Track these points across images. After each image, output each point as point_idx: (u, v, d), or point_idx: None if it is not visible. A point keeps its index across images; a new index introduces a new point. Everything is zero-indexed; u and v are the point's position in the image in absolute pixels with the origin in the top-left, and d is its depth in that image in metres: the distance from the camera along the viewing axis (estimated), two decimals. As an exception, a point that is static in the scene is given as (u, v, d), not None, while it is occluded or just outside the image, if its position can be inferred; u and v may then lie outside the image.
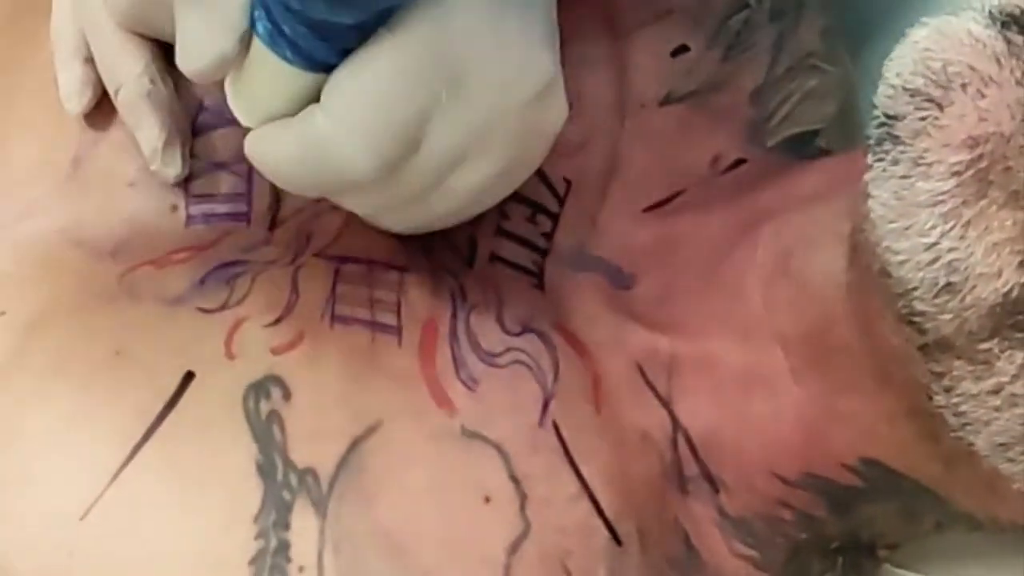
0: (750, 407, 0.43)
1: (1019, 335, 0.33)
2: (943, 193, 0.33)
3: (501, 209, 0.45)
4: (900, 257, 0.34)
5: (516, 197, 0.44)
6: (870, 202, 0.34)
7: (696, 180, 0.50)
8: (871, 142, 0.35)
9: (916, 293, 0.34)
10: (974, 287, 0.33)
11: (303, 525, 0.38)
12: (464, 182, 0.40)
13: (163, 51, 0.46)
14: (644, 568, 0.42)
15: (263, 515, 0.38)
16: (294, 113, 0.38)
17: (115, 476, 0.39)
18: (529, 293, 0.47)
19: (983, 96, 0.33)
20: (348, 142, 0.37)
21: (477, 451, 0.41)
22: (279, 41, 0.37)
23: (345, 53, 0.37)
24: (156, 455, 0.39)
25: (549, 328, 0.45)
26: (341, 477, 0.39)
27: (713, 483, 0.44)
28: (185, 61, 0.38)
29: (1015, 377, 0.34)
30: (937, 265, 0.33)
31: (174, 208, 0.47)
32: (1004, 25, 0.33)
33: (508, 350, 0.44)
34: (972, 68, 0.33)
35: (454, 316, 0.44)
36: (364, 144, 0.37)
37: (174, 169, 0.46)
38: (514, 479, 0.41)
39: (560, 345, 0.45)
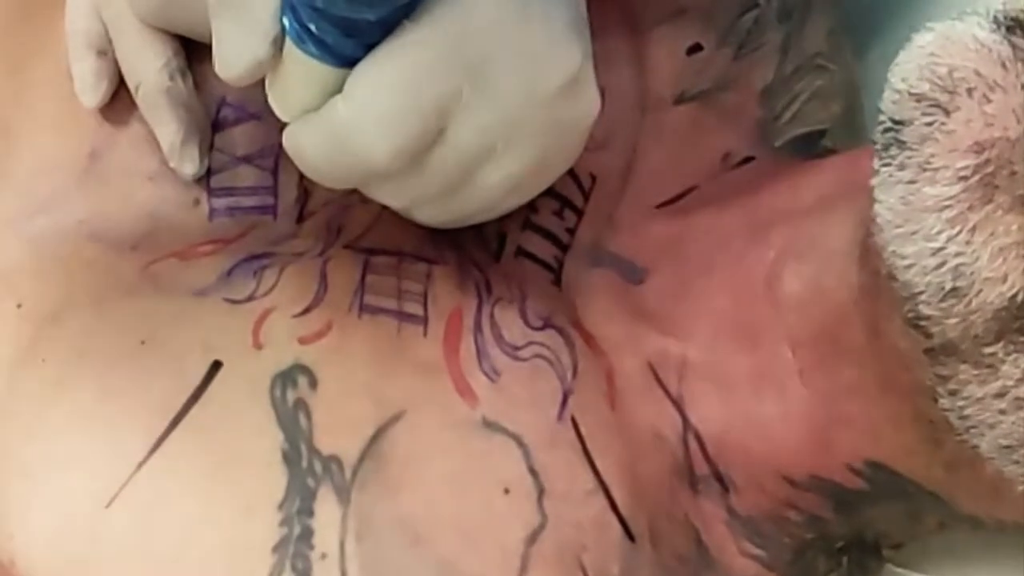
0: (759, 408, 0.43)
1: None
2: (949, 198, 0.33)
3: (531, 203, 0.45)
4: (906, 261, 0.34)
5: (546, 191, 0.45)
6: (876, 207, 0.34)
7: (707, 177, 0.50)
8: (877, 147, 0.35)
9: (922, 297, 0.34)
10: (980, 291, 0.33)
11: (326, 512, 0.39)
12: (495, 176, 0.41)
13: (184, 47, 0.47)
14: (655, 565, 0.43)
15: (287, 502, 0.39)
16: None
17: (141, 464, 0.39)
18: (549, 289, 0.48)
19: (989, 101, 0.32)
20: (367, 130, 0.38)
21: (497, 442, 0.41)
22: (307, 39, 0.38)
23: (371, 48, 0.38)
24: (182, 443, 0.40)
25: (567, 324, 0.46)
26: (364, 465, 0.40)
27: (723, 483, 0.44)
28: (223, 67, 0.39)
29: (1020, 380, 0.34)
30: (943, 269, 0.33)
31: (197, 202, 0.47)
32: (1009, 30, 0.33)
33: (530, 343, 0.44)
34: (978, 73, 0.33)
35: (479, 309, 0.45)
36: (382, 132, 0.38)
37: (192, 166, 0.46)
38: (533, 472, 0.41)
39: (577, 342, 0.45)
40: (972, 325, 0.33)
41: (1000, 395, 0.34)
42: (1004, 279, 0.33)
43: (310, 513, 0.39)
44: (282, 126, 0.41)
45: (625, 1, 0.50)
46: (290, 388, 0.41)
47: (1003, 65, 0.33)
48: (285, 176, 0.47)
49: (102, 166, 0.47)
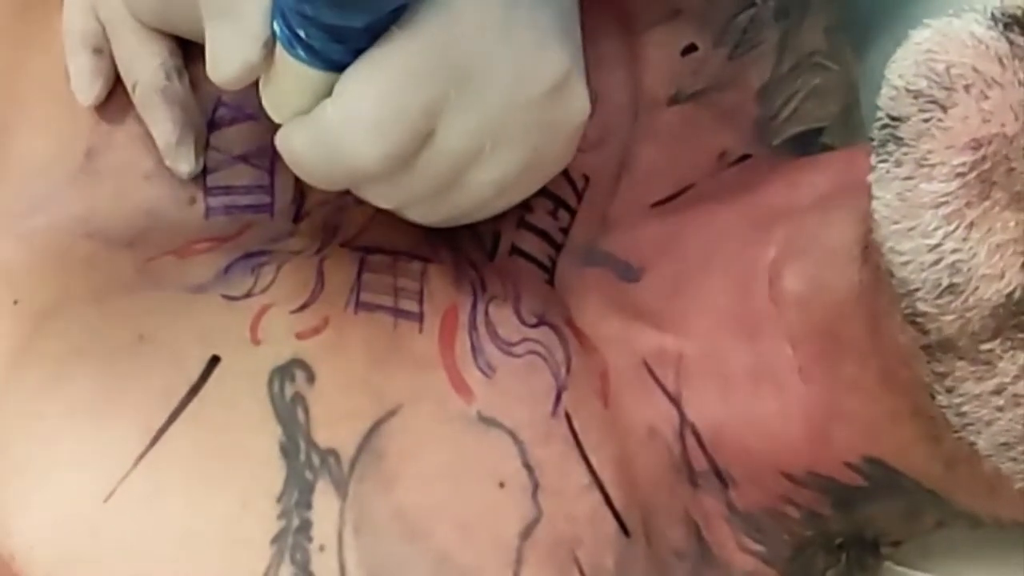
0: (757, 404, 0.43)
1: (1021, 336, 0.33)
2: (946, 194, 0.33)
3: (526, 202, 0.46)
4: (903, 258, 0.34)
5: (541, 191, 0.45)
6: (874, 203, 0.34)
7: (703, 175, 0.50)
8: (875, 143, 0.35)
9: (919, 294, 0.34)
10: (977, 288, 0.33)
11: (324, 505, 0.39)
12: (484, 177, 0.41)
13: (181, 47, 0.47)
14: (650, 559, 0.43)
15: (286, 495, 0.39)
16: None
17: (139, 458, 0.40)
18: (543, 287, 0.48)
19: (986, 97, 0.32)
20: (356, 133, 0.38)
21: (493, 437, 0.42)
22: (297, 45, 0.38)
23: (359, 53, 0.38)
24: (181, 437, 0.40)
25: (561, 322, 0.46)
26: (362, 459, 0.40)
27: (722, 478, 0.44)
28: (215, 71, 0.40)
29: (1017, 377, 0.34)
30: (940, 266, 0.33)
31: (192, 200, 0.47)
32: (1007, 26, 0.33)
33: (524, 340, 0.44)
34: (975, 70, 0.33)
35: (474, 306, 0.45)
36: (371, 136, 0.38)
37: (187, 165, 0.47)
38: (527, 466, 0.41)
39: (571, 339, 0.45)
40: (969, 322, 0.33)
41: (997, 392, 0.34)
42: (1001, 276, 0.33)
43: (308, 506, 0.39)
44: (277, 127, 0.42)
45: (619, 3, 0.51)
46: (288, 383, 0.41)
47: (1000, 62, 0.33)
48: (281, 176, 0.47)
49: (98, 164, 0.48)
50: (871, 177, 0.35)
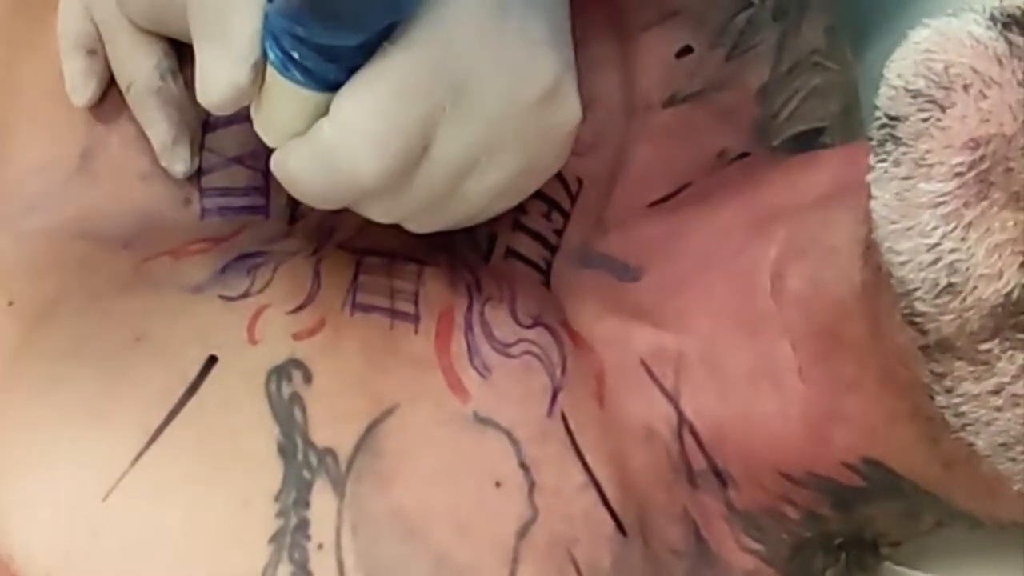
0: (756, 404, 0.43)
1: (1020, 336, 0.33)
2: (945, 194, 0.33)
3: (521, 205, 0.46)
4: (902, 258, 0.34)
5: (535, 194, 0.45)
6: (872, 203, 0.34)
7: (702, 173, 0.50)
8: (873, 143, 0.34)
9: (917, 294, 0.34)
10: (975, 288, 0.33)
11: (322, 504, 0.39)
12: (479, 186, 0.41)
13: (175, 48, 0.47)
14: (647, 558, 0.43)
15: (284, 494, 0.39)
16: None
17: (137, 458, 0.40)
18: (538, 289, 0.48)
19: (985, 97, 0.32)
20: (354, 150, 0.38)
21: (489, 437, 0.42)
22: (290, 66, 0.38)
23: (353, 71, 0.38)
24: (178, 437, 0.40)
25: (557, 324, 0.46)
26: (359, 458, 0.40)
27: (721, 477, 0.44)
28: (204, 94, 0.40)
29: (1016, 377, 0.34)
30: (938, 266, 0.33)
31: (188, 201, 0.48)
32: (1005, 26, 0.33)
33: (520, 341, 0.45)
34: (974, 69, 0.33)
35: (469, 307, 0.45)
36: (369, 152, 0.38)
37: (183, 164, 0.47)
38: (523, 466, 0.42)
39: (566, 340, 0.46)
40: (967, 322, 0.33)
41: (996, 392, 0.34)
42: (999, 276, 0.32)
43: (306, 505, 0.39)
44: None
45: (612, 6, 0.51)
46: (285, 382, 0.41)
47: (999, 61, 0.33)
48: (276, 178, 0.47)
49: (94, 165, 0.48)
50: (869, 177, 0.35)
